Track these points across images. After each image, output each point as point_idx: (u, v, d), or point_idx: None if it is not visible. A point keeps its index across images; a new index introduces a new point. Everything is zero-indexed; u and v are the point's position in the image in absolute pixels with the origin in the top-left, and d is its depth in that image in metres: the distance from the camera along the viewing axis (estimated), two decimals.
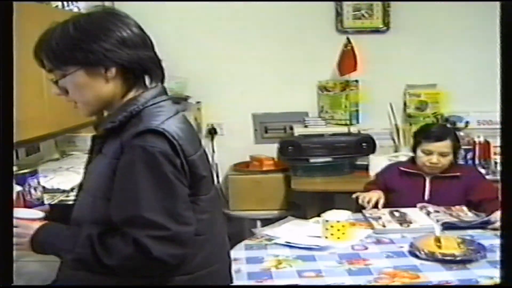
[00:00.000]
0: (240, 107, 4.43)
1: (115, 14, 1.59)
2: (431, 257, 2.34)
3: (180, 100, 4.11)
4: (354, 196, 3.14)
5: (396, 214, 2.93)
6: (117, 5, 3.53)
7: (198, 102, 4.34)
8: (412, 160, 3.27)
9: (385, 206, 3.06)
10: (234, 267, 2.29)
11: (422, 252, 2.37)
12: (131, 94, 1.61)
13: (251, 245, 2.61)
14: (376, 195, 3.09)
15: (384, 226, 2.77)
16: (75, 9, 3.14)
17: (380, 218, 2.87)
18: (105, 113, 1.68)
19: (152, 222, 1.45)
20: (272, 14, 4.33)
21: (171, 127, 1.53)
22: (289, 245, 2.54)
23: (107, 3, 3.78)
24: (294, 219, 2.96)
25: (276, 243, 2.59)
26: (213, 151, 4.42)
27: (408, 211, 2.95)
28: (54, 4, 2.98)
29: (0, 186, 1.39)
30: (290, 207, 4.14)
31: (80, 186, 1.71)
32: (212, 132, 4.46)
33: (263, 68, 4.40)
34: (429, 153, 3.10)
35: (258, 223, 4.02)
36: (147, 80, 1.64)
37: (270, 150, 4.36)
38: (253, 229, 3.33)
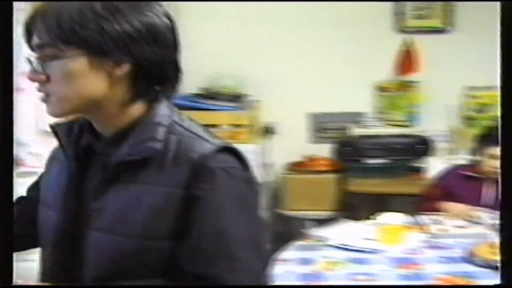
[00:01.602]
0: (296, 106, 4.43)
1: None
2: (486, 264, 2.29)
3: (237, 98, 4.14)
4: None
5: None
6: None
7: (254, 101, 4.35)
8: (472, 164, 3.19)
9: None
10: (285, 267, 2.31)
11: (477, 259, 2.32)
12: (137, 106, 1.21)
13: (302, 246, 2.61)
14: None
15: (439, 230, 2.73)
16: None
17: (436, 222, 2.84)
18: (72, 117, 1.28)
19: (244, 264, 1.17)
20: (331, 14, 4.31)
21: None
22: (341, 247, 2.54)
23: None
24: (347, 221, 2.94)
25: (328, 245, 2.59)
26: (268, 150, 4.44)
27: None
28: None
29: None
30: (342, 208, 4.12)
31: (77, 224, 1.23)
32: (267, 131, 4.47)
33: (321, 68, 4.38)
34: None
35: (311, 223, 4.00)
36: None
37: (325, 150, 4.34)
38: (305, 230, 3.31)
